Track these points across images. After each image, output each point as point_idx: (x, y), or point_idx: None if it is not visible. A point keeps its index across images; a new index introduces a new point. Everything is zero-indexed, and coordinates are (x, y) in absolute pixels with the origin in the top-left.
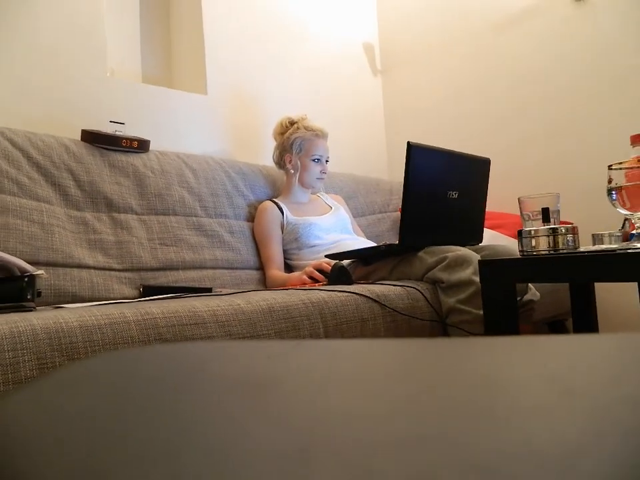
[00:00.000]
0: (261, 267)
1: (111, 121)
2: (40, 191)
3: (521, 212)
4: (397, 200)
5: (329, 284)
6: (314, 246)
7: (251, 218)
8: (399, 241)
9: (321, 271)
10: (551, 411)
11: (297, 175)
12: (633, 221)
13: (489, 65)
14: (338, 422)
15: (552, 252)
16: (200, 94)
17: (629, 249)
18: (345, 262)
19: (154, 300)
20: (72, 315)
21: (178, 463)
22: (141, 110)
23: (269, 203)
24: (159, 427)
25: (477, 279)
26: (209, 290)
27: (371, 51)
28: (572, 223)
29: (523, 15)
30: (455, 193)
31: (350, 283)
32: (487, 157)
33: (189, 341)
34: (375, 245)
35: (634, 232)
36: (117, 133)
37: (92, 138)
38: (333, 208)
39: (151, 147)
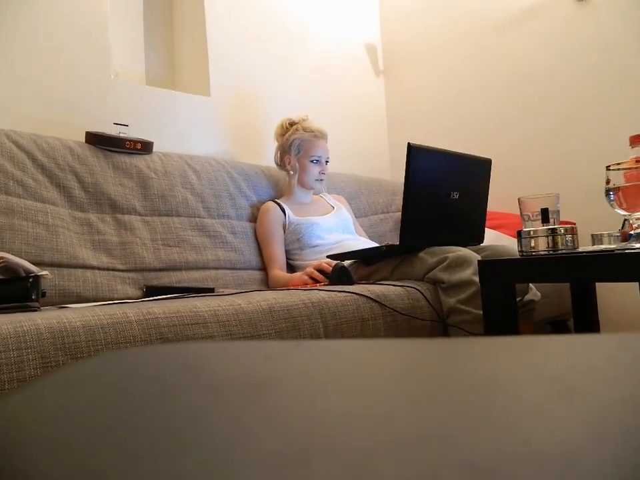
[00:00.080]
0: (263, 268)
1: (114, 123)
2: (45, 193)
3: (520, 212)
4: (399, 200)
5: (330, 284)
6: (316, 246)
7: (254, 219)
8: (399, 241)
9: (321, 271)
10: (550, 411)
11: (297, 176)
12: (631, 222)
13: (492, 65)
14: (338, 422)
15: (551, 252)
16: (203, 95)
17: (627, 249)
18: (347, 262)
19: (156, 300)
20: (75, 314)
21: (178, 463)
22: (145, 112)
23: (271, 203)
24: (158, 427)
25: (477, 279)
26: (211, 290)
27: (374, 52)
28: (574, 223)
29: (525, 15)
30: (456, 194)
31: (351, 283)
32: (490, 157)
33: (191, 340)
34: (377, 245)
35: (632, 232)
36: (120, 134)
37: (96, 140)
38: (335, 208)
39: (155, 149)
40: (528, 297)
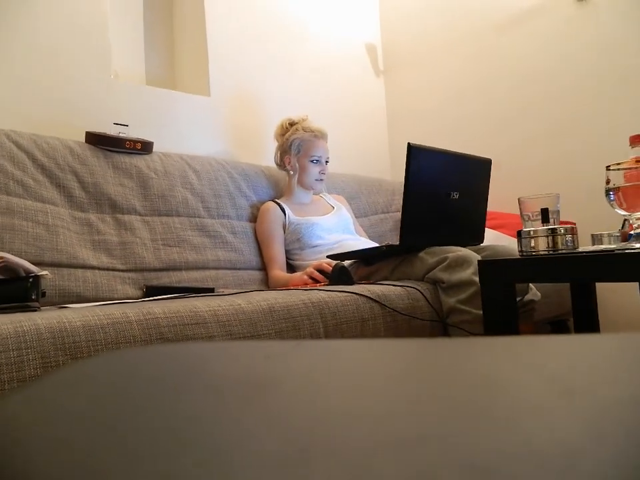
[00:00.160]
0: (263, 268)
1: (114, 123)
2: (45, 193)
3: (521, 212)
4: (400, 200)
5: (330, 284)
6: (316, 246)
7: (254, 218)
8: (399, 241)
9: (321, 271)
10: (551, 411)
11: (296, 176)
12: (630, 222)
13: (492, 65)
14: (338, 422)
15: (551, 252)
16: (203, 95)
17: (627, 249)
18: (347, 262)
19: (156, 300)
20: (75, 315)
21: (177, 463)
22: (145, 112)
23: (271, 203)
24: (158, 427)
25: (477, 279)
26: (211, 290)
27: (374, 52)
28: (574, 223)
29: (525, 15)
30: (456, 194)
31: (351, 283)
32: (490, 157)
33: (191, 340)
34: (377, 245)
35: (632, 232)
36: (120, 134)
37: (96, 140)
38: (335, 208)
39: (155, 149)
40: (528, 296)
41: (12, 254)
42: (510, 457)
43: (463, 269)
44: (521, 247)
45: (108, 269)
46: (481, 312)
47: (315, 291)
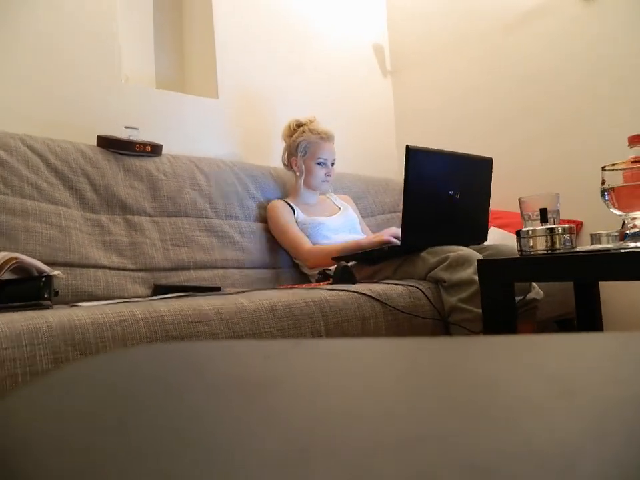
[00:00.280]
0: (272, 266)
1: (125, 127)
2: (58, 195)
3: (521, 212)
4: None
5: (333, 283)
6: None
7: (261, 219)
8: (400, 242)
9: (325, 273)
10: (551, 411)
11: (303, 178)
12: (626, 222)
13: (499, 65)
14: (338, 422)
15: (549, 252)
16: (211, 98)
17: (622, 248)
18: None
19: (162, 299)
20: (85, 312)
21: (178, 463)
22: (154, 115)
23: (279, 200)
24: (158, 427)
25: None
26: (217, 289)
27: (381, 52)
28: (580, 222)
29: (532, 14)
30: (457, 193)
31: (354, 282)
32: (497, 156)
33: (194, 337)
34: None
35: (628, 232)
36: (131, 138)
37: (107, 143)
38: (341, 208)
39: (164, 151)
40: (530, 295)
41: (26, 254)
42: (510, 456)
43: (464, 269)
44: (520, 247)
45: (119, 269)
46: (481, 310)
47: (317, 290)
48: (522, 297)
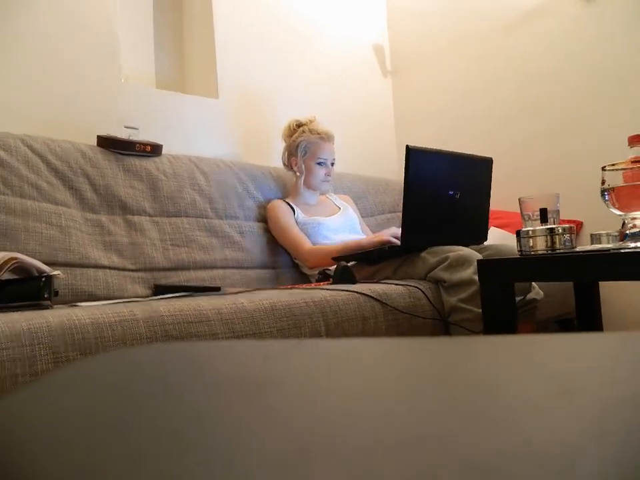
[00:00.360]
0: (273, 266)
1: (125, 126)
2: (58, 195)
3: (521, 212)
4: None
5: (333, 283)
6: None
7: (261, 219)
8: (400, 242)
9: (325, 273)
10: (550, 411)
11: (302, 178)
12: (626, 222)
13: (499, 65)
14: (338, 422)
15: (549, 252)
16: (211, 98)
17: (622, 248)
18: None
19: (162, 299)
20: (85, 312)
21: (178, 463)
22: (154, 115)
23: (279, 200)
24: (157, 427)
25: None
26: (217, 289)
27: (381, 52)
28: (581, 222)
29: (532, 14)
30: (457, 194)
31: (354, 282)
32: (499, 155)
33: (194, 337)
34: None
35: (627, 232)
36: (131, 138)
37: (107, 143)
38: (341, 209)
39: (164, 151)
40: (530, 295)
41: (26, 254)
42: (510, 456)
43: (464, 269)
44: (520, 247)
45: (118, 269)
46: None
47: (317, 290)
48: (522, 297)
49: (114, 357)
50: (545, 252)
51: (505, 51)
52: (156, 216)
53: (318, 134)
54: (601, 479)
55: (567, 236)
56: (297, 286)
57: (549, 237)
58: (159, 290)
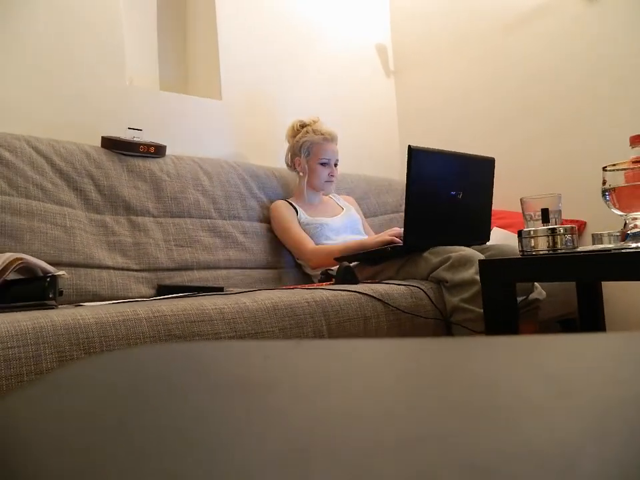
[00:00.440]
0: (275, 266)
1: (129, 128)
2: (63, 196)
3: (523, 212)
4: None
5: (335, 284)
6: None
7: (264, 219)
8: (402, 242)
9: (327, 273)
10: (551, 411)
11: (306, 178)
12: (627, 222)
13: (500, 65)
14: (338, 422)
15: (551, 252)
16: (215, 99)
17: (623, 248)
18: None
19: (166, 299)
20: (89, 312)
21: (178, 463)
22: (159, 116)
23: (282, 201)
24: (157, 428)
25: None
26: (220, 289)
27: (384, 53)
28: (584, 222)
29: (532, 14)
30: (459, 194)
31: (356, 282)
32: (502, 155)
33: (197, 337)
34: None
35: (629, 232)
36: (134, 139)
37: (111, 144)
38: (344, 209)
39: (168, 152)
40: (533, 295)
41: (31, 254)
42: (510, 456)
43: (466, 269)
44: (522, 247)
45: (123, 269)
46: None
47: (318, 290)
48: (524, 297)
49: (116, 357)
50: (547, 252)
51: (507, 51)
52: (160, 216)
53: (321, 134)
54: (601, 478)
55: (568, 236)
56: (299, 286)
57: (550, 237)
58: (163, 290)
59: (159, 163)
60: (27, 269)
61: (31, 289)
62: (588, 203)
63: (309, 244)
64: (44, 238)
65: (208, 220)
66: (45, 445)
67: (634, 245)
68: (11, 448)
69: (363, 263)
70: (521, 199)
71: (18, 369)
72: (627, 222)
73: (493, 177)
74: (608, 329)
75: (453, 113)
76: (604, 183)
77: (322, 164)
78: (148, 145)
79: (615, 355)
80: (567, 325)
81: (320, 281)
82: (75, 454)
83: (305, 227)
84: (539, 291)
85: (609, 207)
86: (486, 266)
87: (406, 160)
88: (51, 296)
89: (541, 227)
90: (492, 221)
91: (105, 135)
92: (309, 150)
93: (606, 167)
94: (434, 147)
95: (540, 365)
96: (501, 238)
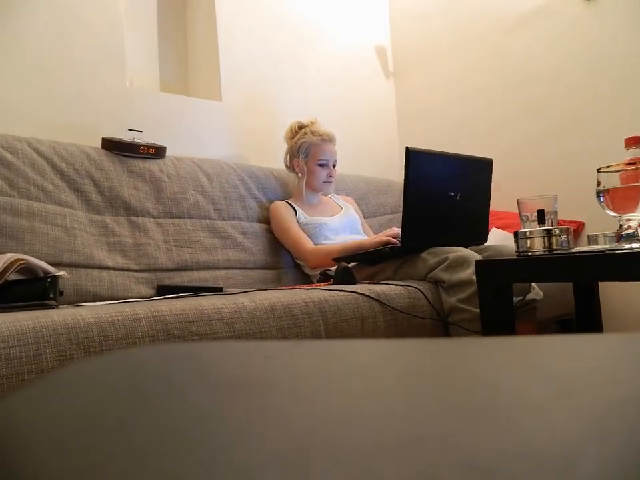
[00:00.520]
0: (275, 266)
1: (129, 129)
2: (63, 197)
3: (519, 213)
4: None
5: (333, 284)
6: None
7: (264, 220)
8: (400, 243)
9: (326, 274)
10: (550, 411)
11: (305, 179)
12: (621, 223)
13: (500, 65)
14: (338, 422)
15: (546, 253)
16: (215, 100)
17: (617, 249)
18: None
19: (165, 299)
20: (89, 312)
21: (177, 463)
22: (159, 117)
23: (281, 201)
24: (157, 428)
25: None
26: (219, 289)
27: (383, 54)
28: (582, 223)
29: (532, 15)
30: (457, 195)
31: (354, 282)
32: (501, 156)
33: (195, 336)
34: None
35: (623, 233)
36: (135, 140)
37: (111, 145)
38: (343, 209)
39: (168, 153)
40: (530, 296)
41: (32, 255)
42: (510, 456)
43: (463, 269)
44: (518, 248)
45: (123, 269)
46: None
47: (316, 290)
48: (521, 298)
49: (116, 357)
50: (542, 253)
51: (506, 52)
52: (159, 217)
53: (319, 135)
54: (601, 478)
55: (563, 237)
56: (297, 286)
57: (546, 238)
58: (163, 290)
59: (158, 164)
60: (27, 270)
61: (32, 289)
62: (587, 203)
63: (308, 244)
64: (45, 239)
65: (207, 220)
66: (44, 444)
67: (627, 246)
68: (10, 448)
69: (361, 264)
70: (517, 200)
71: (19, 368)
72: (622, 223)
73: (491, 177)
74: (605, 328)
75: (453, 114)
76: (598, 184)
77: (320, 165)
78: (148, 147)
79: (615, 355)
80: (564, 325)
81: (319, 281)
82: (75, 454)
83: (303, 226)
84: (536, 291)
85: (603, 208)
86: (482, 266)
87: (402, 161)
88: (51, 296)
89: (537, 228)
90: (491, 221)
91: (105, 135)
92: (307, 151)
93: (600, 168)
94: (433, 148)
95: (540, 365)
96: (500, 239)
